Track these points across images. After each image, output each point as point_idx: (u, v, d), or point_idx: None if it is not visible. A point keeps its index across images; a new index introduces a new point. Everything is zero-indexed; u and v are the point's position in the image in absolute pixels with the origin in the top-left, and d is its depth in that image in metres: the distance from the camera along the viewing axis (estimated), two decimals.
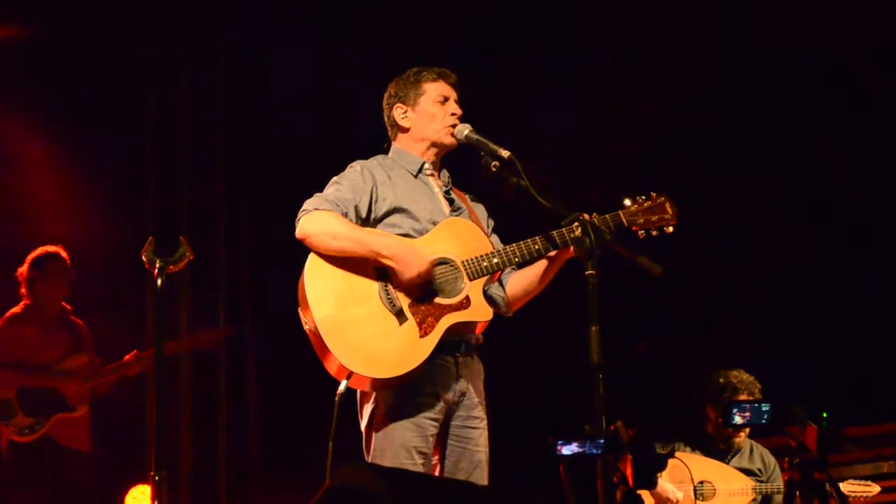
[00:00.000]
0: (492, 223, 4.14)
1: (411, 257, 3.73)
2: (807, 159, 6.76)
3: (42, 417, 5.91)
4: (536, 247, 3.83)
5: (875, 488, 5.46)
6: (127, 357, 6.17)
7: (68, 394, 6.01)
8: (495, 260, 3.83)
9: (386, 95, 4.09)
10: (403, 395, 3.74)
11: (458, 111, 4.00)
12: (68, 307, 6.21)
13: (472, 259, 3.82)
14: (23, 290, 6.12)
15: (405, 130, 4.04)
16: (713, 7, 6.80)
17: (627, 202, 3.90)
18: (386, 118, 4.10)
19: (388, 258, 3.73)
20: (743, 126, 6.89)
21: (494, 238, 4.05)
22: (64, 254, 6.15)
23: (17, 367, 5.96)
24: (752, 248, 6.99)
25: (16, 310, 6.11)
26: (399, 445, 3.72)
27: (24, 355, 6.00)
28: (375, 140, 4.13)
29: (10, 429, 5.88)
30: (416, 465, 3.72)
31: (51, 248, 6.14)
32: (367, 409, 3.82)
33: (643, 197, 3.91)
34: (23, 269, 6.12)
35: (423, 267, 3.73)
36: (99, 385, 6.13)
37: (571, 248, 3.80)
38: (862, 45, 6.60)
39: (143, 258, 3.53)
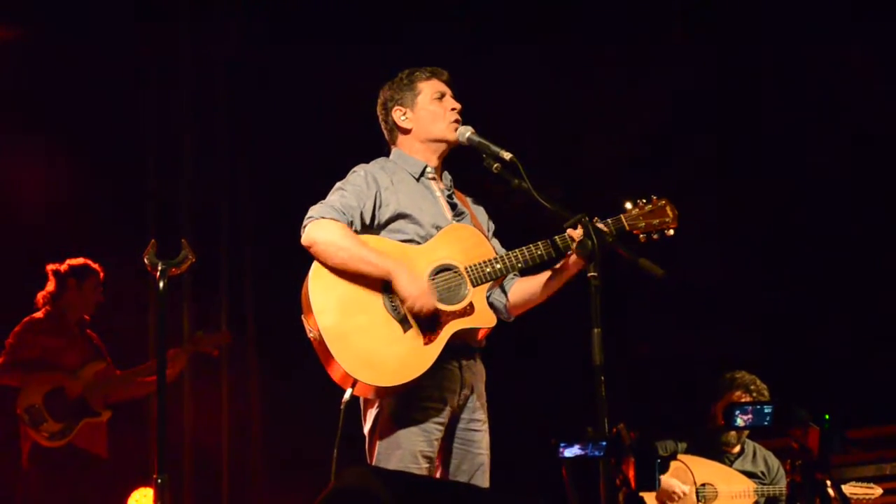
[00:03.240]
0: (492, 226, 4.14)
1: (413, 294, 3.68)
2: (810, 160, 6.76)
3: (71, 422, 5.96)
4: (539, 252, 3.83)
5: (877, 490, 5.47)
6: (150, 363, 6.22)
7: (91, 399, 6.04)
8: (498, 266, 3.82)
9: (380, 101, 4.08)
10: (409, 400, 3.73)
11: (458, 105, 4.00)
12: (87, 318, 6.26)
13: (474, 265, 3.81)
14: (51, 290, 6.14)
15: (407, 132, 4.02)
16: (715, 7, 6.81)
17: (628, 205, 3.91)
18: (383, 123, 4.08)
19: (390, 282, 3.71)
20: (743, 126, 6.90)
21: (495, 242, 4.04)
22: (102, 275, 6.20)
23: (42, 370, 6.00)
24: (753, 249, 7.00)
25: (38, 315, 6.16)
26: (405, 450, 3.71)
27: (39, 358, 6.03)
28: (377, 141, 4.12)
29: (42, 434, 5.92)
30: (421, 469, 3.71)
31: (94, 264, 6.20)
32: (371, 414, 3.81)
33: (644, 200, 3.91)
34: (61, 271, 6.15)
35: (422, 306, 3.68)
36: (122, 389, 6.19)
37: (570, 259, 3.83)
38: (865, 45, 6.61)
39: (145, 261, 3.52)
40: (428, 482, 3.45)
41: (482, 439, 3.88)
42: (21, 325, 6.11)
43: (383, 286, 3.74)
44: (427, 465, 3.74)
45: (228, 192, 7.32)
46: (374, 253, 3.75)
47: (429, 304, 3.69)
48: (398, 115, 4.03)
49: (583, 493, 3.15)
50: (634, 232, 3.88)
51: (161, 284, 3.48)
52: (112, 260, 6.35)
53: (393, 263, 3.72)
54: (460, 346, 3.79)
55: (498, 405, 3.99)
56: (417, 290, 3.69)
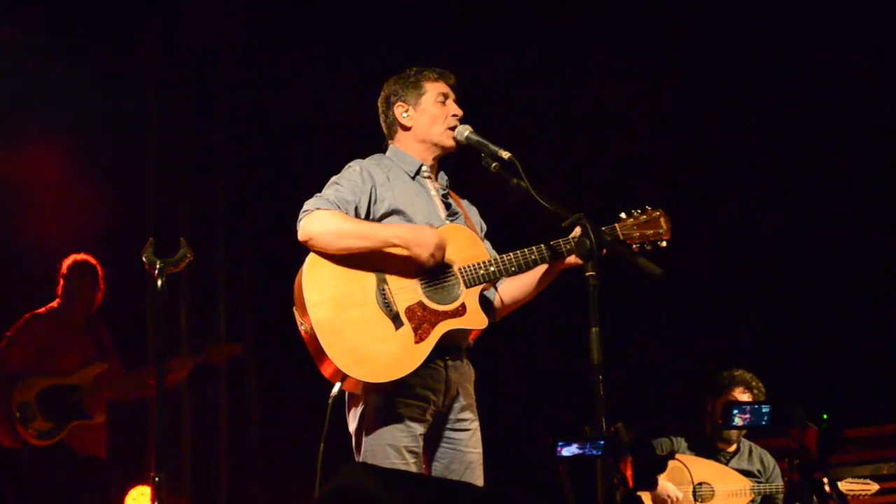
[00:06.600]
0: (485, 227, 4.14)
1: (423, 237, 3.72)
2: (807, 159, 6.77)
3: (60, 423, 5.96)
4: (533, 256, 3.83)
5: (873, 486, 5.48)
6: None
7: (86, 401, 6.05)
8: (492, 269, 3.82)
9: (384, 94, 4.07)
10: (392, 397, 3.74)
11: (459, 112, 4.00)
12: (96, 314, 6.26)
13: (469, 266, 3.81)
14: (59, 292, 6.20)
15: (406, 129, 4.02)
16: (714, 8, 6.81)
17: (623, 215, 3.94)
18: (383, 116, 4.08)
19: (400, 246, 3.73)
20: (742, 126, 6.91)
21: (486, 243, 4.04)
22: (101, 271, 6.23)
23: (39, 372, 6.02)
24: (752, 248, 7.00)
25: (40, 311, 6.18)
26: (388, 445, 3.71)
27: (35, 353, 6.04)
28: (377, 140, 4.12)
29: (30, 432, 5.93)
30: (407, 464, 3.72)
31: (93, 260, 6.22)
32: (356, 412, 3.82)
33: (639, 210, 3.94)
34: (62, 267, 6.21)
35: (436, 240, 3.72)
36: (128, 390, 6.20)
37: (566, 259, 3.85)
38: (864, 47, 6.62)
39: (143, 259, 3.52)
40: (425, 480, 3.45)
41: (470, 438, 3.88)
42: (22, 319, 6.14)
43: (377, 280, 3.74)
44: (414, 461, 3.75)
45: (227, 193, 7.32)
46: (373, 227, 3.77)
47: (440, 240, 3.72)
48: (400, 111, 4.02)
49: (580, 492, 3.16)
50: (628, 242, 3.89)
51: (159, 282, 3.49)
52: (111, 258, 6.35)
53: (394, 227, 3.74)
54: (447, 346, 3.79)
55: (496, 405, 3.99)
56: (427, 235, 3.71)
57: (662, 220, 3.92)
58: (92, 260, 6.25)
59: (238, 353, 6.61)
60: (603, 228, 3.84)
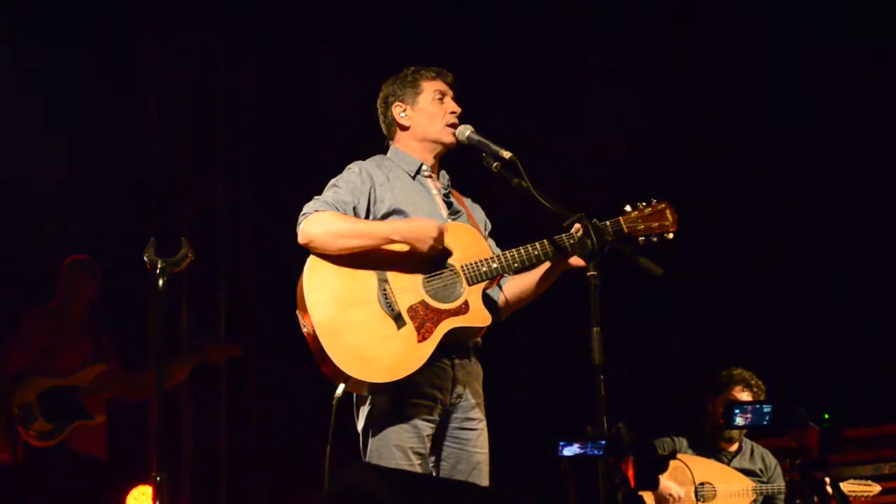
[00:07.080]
0: (489, 226, 4.14)
1: (421, 231, 3.73)
2: (807, 159, 6.77)
3: (61, 424, 5.96)
4: (536, 252, 3.83)
5: (875, 488, 5.49)
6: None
7: (86, 402, 6.04)
8: (494, 265, 3.82)
9: (382, 95, 4.09)
10: (399, 397, 3.74)
11: (457, 109, 4.01)
12: (95, 314, 6.26)
13: (471, 264, 3.82)
14: (58, 292, 6.20)
15: (405, 129, 4.04)
16: (714, 8, 6.81)
17: (628, 208, 3.92)
18: (382, 117, 4.10)
19: (399, 241, 3.74)
20: (742, 126, 6.91)
21: (490, 242, 4.05)
22: (99, 272, 6.24)
23: (40, 373, 6.02)
24: (753, 248, 7.00)
25: (39, 311, 6.19)
26: (394, 446, 3.72)
27: (35, 355, 6.05)
28: (375, 142, 4.13)
29: (31, 433, 5.94)
30: (412, 465, 3.72)
31: (91, 260, 6.24)
32: (363, 411, 3.83)
33: (644, 203, 3.92)
34: (62, 267, 6.23)
35: (436, 233, 3.73)
36: (127, 391, 6.20)
37: (569, 258, 3.84)
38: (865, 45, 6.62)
39: (144, 259, 3.53)
40: (427, 480, 3.46)
41: (478, 438, 3.88)
42: (22, 319, 6.14)
43: (378, 280, 3.74)
44: (420, 462, 3.75)
45: (226, 191, 7.30)
46: (371, 225, 3.78)
47: (439, 230, 3.72)
48: (398, 111, 4.04)
49: (582, 492, 3.16)
50: (633, 235, 3.89)
51: (160, 282, 3.49)
52: (111, 258, 6.35)
53: (391, 223, 3.75)
54: (454, 343, 3.80)
55: (498, 405, 3.99)
56: (425, 227, 3.72)
57: (668, 212, 3.90)
58: (90, 259, 6.25)
59: (238, 354, 6.62)
60: (606, 222, 3.85)
